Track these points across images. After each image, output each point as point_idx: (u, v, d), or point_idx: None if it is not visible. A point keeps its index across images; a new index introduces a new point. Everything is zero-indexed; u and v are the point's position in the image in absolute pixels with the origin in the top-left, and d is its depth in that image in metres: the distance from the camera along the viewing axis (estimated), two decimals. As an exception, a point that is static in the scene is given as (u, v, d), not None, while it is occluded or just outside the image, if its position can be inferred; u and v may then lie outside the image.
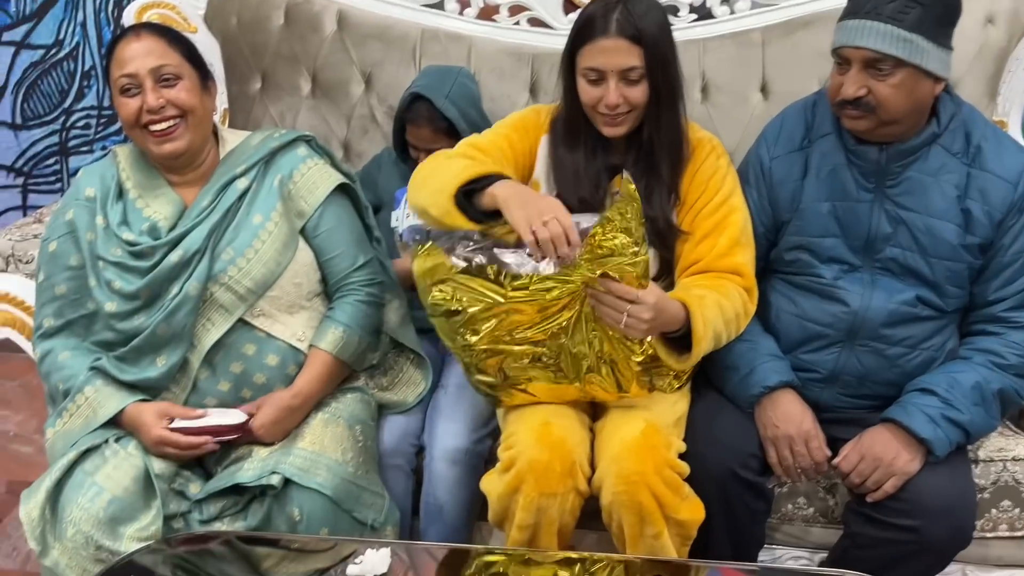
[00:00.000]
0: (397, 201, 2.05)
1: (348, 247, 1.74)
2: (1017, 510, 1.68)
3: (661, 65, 1.55)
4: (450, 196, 1.46)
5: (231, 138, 1.75)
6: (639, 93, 1.56)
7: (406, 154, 2.05)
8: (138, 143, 1.67)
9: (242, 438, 1.61)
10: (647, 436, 1.53)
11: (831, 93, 1.56)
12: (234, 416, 1.61)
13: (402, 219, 2.02)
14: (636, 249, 1.40)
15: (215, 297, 1.62)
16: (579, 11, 1.62)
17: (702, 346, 1.50)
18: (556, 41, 2.22)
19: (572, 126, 1.64)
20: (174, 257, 1.61)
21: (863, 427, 1.62)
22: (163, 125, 1.60)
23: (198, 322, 1.63)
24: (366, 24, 2.25)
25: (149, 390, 1.64)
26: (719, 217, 1.60)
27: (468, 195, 1.46)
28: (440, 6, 2.28)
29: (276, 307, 1.67)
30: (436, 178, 1.51)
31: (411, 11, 2.27)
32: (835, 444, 1.62)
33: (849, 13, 1.51)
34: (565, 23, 2.25)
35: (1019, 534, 1.69)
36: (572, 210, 1.59)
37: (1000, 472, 1.67)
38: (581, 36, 1.55)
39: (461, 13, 2.28)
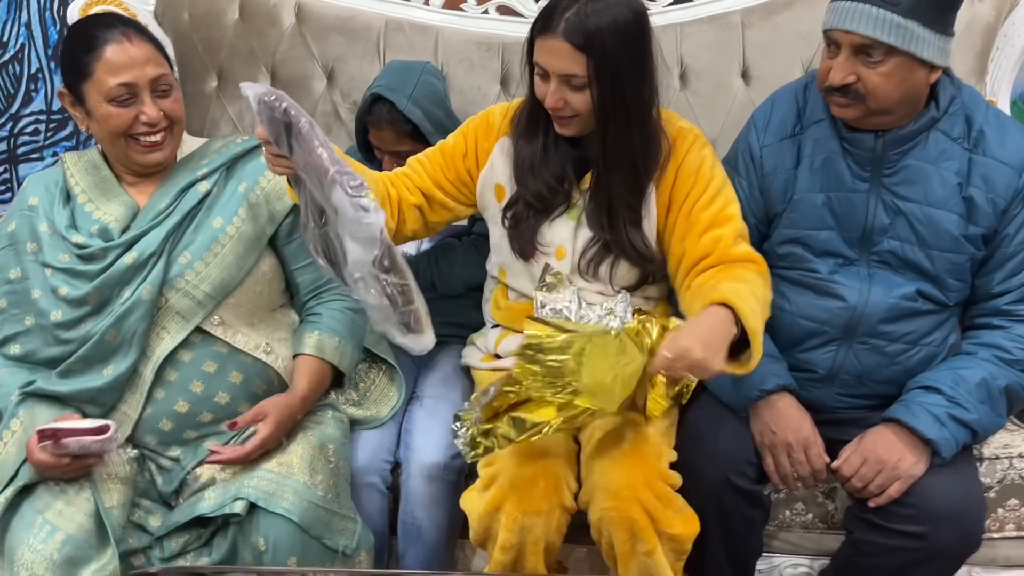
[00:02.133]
0: (365, 203, 1.94)
1: None
2: (1025, 509, 1.60)
3: (610, 78, 1.42)
4: None
5: (188, 141, 1.66)
6: (581, 101, 1.44)
7: (371, 154, 1.94)
8: (116, 151, 1.56)
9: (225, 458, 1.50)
10: (637, 447, 1.44)
11: (820, 77, 1.47)
12: (96, 424, 1.46)
13: (370, 221, 1.91)
14: (638, 341, 1.34)
15: (171, 303, 1.52)
16: None
17: (759, 340, 1.33)
18: (527, 30, 2.11)
19: (533, 116, 1.54)
20: (127, 260, 1.51)
21: (862, 428, 1.54)
22: (156, 137, 1.53)
23: (152, 330, 1.52)
24: (326, 17, 2.14)
25: (95, 405, 1.53)
26: (717, 208, 1.50)
27: None
28: (404, -5, 2.16)
29: (236, 316, 1.57)
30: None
31: (374, 1, 2.16)
32: (832, 446, 1.54)
33: None
34: (536, 11, 2.12)
35: (1027, 534, 1.62)
36: (537, 208, 1.54)
37: (1006, 470, 1.59)
38: (535, 28, 1.46)
39: (427, 3, 2.17)
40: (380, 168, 1.93)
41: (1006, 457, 1.59)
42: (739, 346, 1.34)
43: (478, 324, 1.76)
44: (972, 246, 1.50)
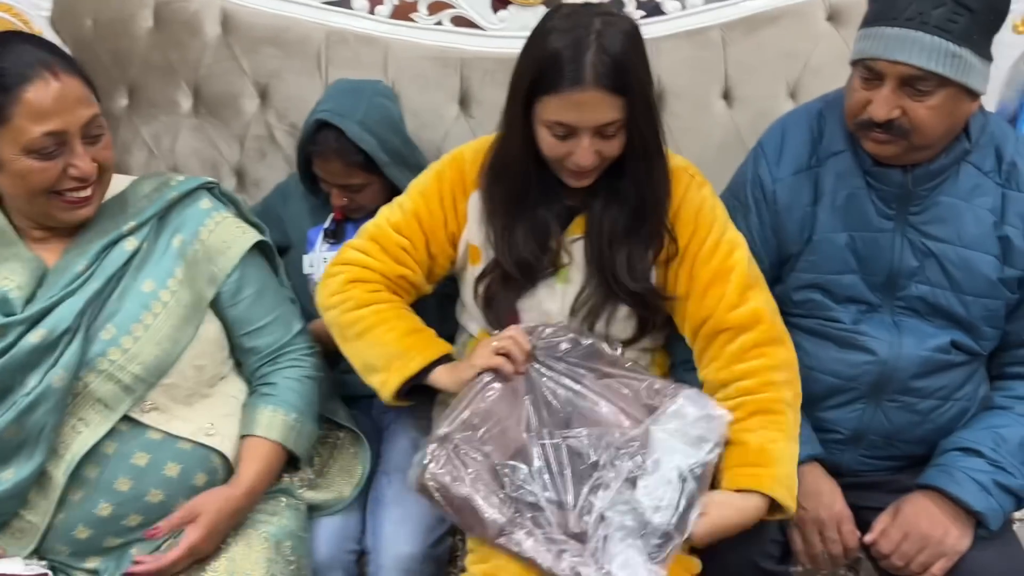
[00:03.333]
0: (311, 243, 1.69)
1: (281, 313, 1.40)
2: (1058, 572, 1.48)
3: (644, 112, 1.25)
4: (392, 393, 1.33)
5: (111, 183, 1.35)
6: (615, 147, 1.26)
7: (315, 185, 1.69)
8: (33, 209, 1.27)
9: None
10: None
11: (852, 110, 1.31)
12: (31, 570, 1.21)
13: (317, 264, 1.67)
14: None
15: (90, 389, 1.24)
16: (535, 35, 1.26)
17: (793, 508, 1.28)
18: (487, 43, 1.93)
19: (523, 181, 1.31)
20: (33, 338, 1.22)
21: (888, 492, 1.39)
22: (85, 192, 1.25)
23: (65, 423, 1.24)
24: (258, 26, 1.88)
25: None
26: (719, 259, 1.33)
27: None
28: (346, 4, 1.92)
29: (172, 398, 1.30)
30: (368, 351, 1.35)
31: (312, 9, 1.91)
32: (855, 512, 1.38)
33: (883, 18, 1.24)
34: (495, 22, 1.94)
35: (1059, 599, 1.50)
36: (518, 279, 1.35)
37: (1039, 532, 1.47)
38: (545, 82, 1.22)
39: (372, 12, 1.93)
40: (326, 203, 1.69)
41: (1038, 518, 1.47)
42: None
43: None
44: (1008, 290, 1.36)
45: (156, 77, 1.89)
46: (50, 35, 1.85)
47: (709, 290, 1.32)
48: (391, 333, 1.34)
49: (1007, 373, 1.43)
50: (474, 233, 1.38)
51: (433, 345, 1.35)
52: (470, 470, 1.23)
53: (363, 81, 1.72)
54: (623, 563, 1.16)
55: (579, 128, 1.22)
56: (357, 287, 1.37)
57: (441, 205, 1.38)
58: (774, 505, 1.26)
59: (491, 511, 1.21)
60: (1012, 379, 1.42)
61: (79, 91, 1.23)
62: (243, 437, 1.34)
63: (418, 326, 1.37)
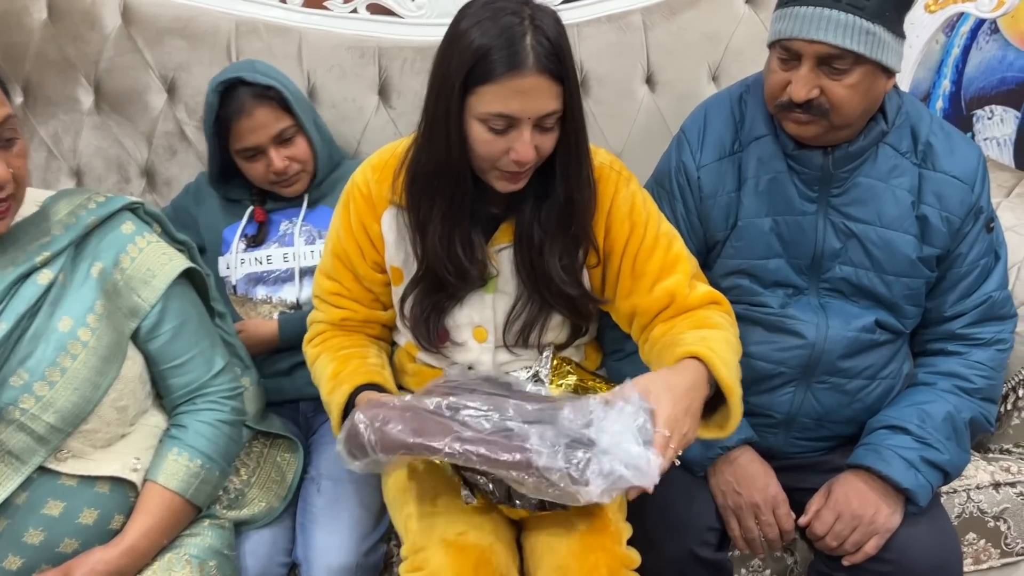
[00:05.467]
0: (226, 243, 1.62)
1: (201, 350, 1.29)
2: (983, 541, 1.52)
3: (577, 101, 1.19)
4: (337, 425, 1.29)
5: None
6: (551, 142, 1.19)
7: (228, 182, 1.62)
8: None
9: None
10: (595, 531, 1.23)
11: (772, 92, 1.30)
12: None
13: (235, 266, 1.60)
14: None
15: (0, 441, 1.14)
16: (458, 30, 1.16)
17: (738, 398, 1.15)
18: (405, 31, 1.88)
19: (459, 187, 1.22)
20: None
21: (819, 473, 1.40)
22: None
23: None
24: (161, 17, 1.79)
25: None
26: (661, 253, 1.29)
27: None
28: (255, -8, 1.84)
29: (91, 443, 1.19)
30: (320, 385, 1.35)
31: (219, -1, 1.82)
32: (790, 495, 1.39)
33: None
34: (413, 9, 1.89)
35: (984, 567, 1.54)
36: (445, 296, 1.30)
37: (964, 503, 1.50)
38: (480, 72, 1.12)
39: (283, 1, 1.86)
40: (241, 201, 1.62)
41: (964, 490, 1.50)
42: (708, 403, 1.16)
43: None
44: (927, 268, 1.38)
45: (53, 73, 1.78)
46: (-68, 30, 1.73)
47: (658, 283, 1.27)
48: (323, 386, 1.34)
49: (929, 350, 1.45)
50: (392, 254, 1.32)
51: (352, 379, 1.30)
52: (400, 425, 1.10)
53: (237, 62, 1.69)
54: (612, 443, 1.02)
55: (520, 119, 1.15)
56: (308, 345, 1.40)
57: (354, 237, 1.32)
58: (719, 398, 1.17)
59: (436, 427, 1.07)
60: (934, 355, 1.44)
61: None
62: (145, 481, 1.23)
63: (337, 369, 1.32)
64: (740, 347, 1.24)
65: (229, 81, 1.53)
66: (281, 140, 1.55)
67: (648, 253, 1.28)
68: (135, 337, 1.24)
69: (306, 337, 1.41)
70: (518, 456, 1.03)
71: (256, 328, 1.54)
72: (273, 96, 1.54)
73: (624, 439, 1.01)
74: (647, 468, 1.00)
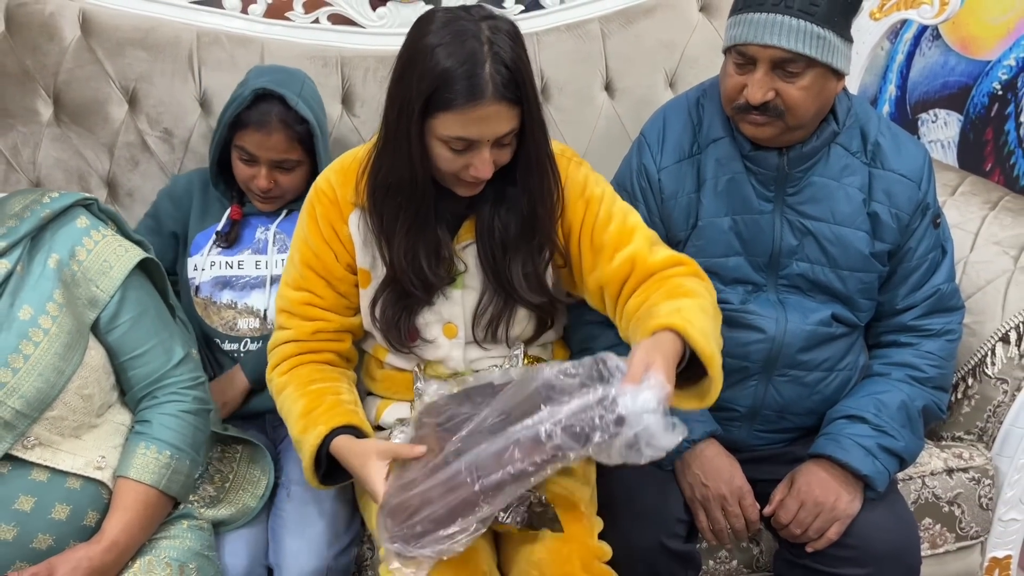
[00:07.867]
0: (197, 246, 1.62)
1: (160, 340, 1.30)
2: (939, 526, 1.57)
3: (535, 117, 1.23)
4: (310, 467, 1.29)
5: None
6: (508, 154, 1.24)
7: (222, 179, 1.62)
8: None
9: None
10: (567, 527, 1.24)
11: (729, 95, 1.35)
12: None
13: (203, 267, 1.60)
14: None
15: None
16: (418, 48, 1.18)
17: (717, 365, 1.15)
18: (367, 41, 1.90)
19: (419, 197, 1.25)
20: None
21: (781, 464, 1.45)
22: None
23: None
24: (121, 28, 1.79)
25: None
26: (618, 223, 1.31)
27: None
28: (217, 3, 1.85)
29: (59, 431, 1.21)
30: (287, 419, 1.34)
31: (179, 9, 1.83)
32: (755, 486, 1.42)
33: (751, 5, 1.29)
34: (375, 19, 1.92)
35: (940, 551, 1.59)
36: (415, 297, 1.32)
37: (919, 489, 1.56)
38: (441, 99, 1.16)
39: (245, 11, 1.87)
40: (220, 204, 1.62)
41: (919, 476, 1.56)
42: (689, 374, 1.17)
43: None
44: (879, 263, 1.44)
45: (10, 84, 1.76)
46: None
47: (617, 252, 1.29)
48: (292, 423, 1.32)
49: (883, 341, 1.51)
50: (361, 257, 1.33)
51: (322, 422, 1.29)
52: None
53: (287, 67, 1.67)
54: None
55: (479, 141, 1.18)
56: (274, 372, 1.36)
57: (324, 240, 1.33)
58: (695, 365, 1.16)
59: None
60: (888, 347, 1.50)
61: None
62: (117, 478, 1.24)
63: (308, 406, 1.30)
64: (719, 313, 1.24)
65: (269, 92, 1.51)
66: (279, 165, 1.54)
67: (604, 225, 1.31)
68: (95, 329, 1.26)
69: (270, 363, 1.37)
70: (548, 453, 1.06)
71: (221, 387, 1.53)
72: (301, 130, 1.52)
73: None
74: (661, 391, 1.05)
